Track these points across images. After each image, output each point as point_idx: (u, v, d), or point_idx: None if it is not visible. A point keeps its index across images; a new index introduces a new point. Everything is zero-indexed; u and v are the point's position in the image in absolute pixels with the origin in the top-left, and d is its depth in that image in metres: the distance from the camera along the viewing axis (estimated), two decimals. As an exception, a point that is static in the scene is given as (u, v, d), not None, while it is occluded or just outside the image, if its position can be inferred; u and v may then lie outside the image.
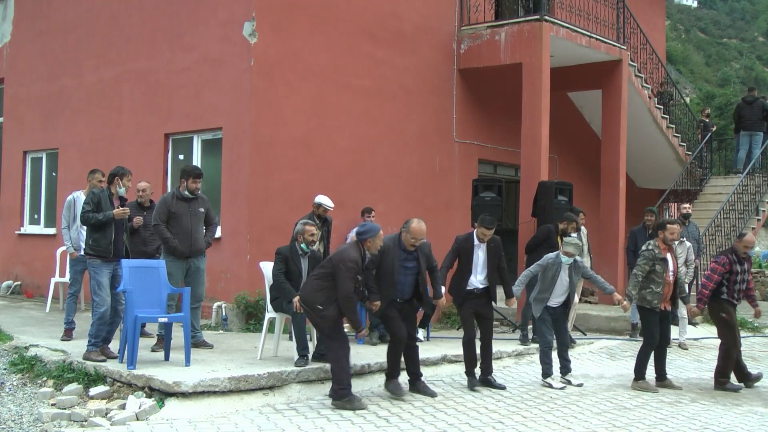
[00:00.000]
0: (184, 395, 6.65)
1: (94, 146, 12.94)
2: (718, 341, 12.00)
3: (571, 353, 10.07)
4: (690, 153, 17.10)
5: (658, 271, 8.23)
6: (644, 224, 11.96)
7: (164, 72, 11.95)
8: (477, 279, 8.16)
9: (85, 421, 6.39)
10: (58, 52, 13.90)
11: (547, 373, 8.39)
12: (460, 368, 8.80)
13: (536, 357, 9.92)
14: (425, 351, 9.13)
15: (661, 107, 16.37)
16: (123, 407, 6.60)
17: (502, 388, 8.08)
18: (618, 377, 9.04)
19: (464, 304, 8.20)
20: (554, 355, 8.58)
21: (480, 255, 8.16)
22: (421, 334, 10.44)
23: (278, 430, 6.25)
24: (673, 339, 11.05)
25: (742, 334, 12.87)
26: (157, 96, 12.04)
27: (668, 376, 8.69)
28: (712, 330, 12.80)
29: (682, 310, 11.18)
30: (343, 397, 7.01)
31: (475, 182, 12.39)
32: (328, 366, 7.89)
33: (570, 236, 9.22)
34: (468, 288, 8.13)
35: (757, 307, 8.92)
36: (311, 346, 8.32)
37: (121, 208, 7.99)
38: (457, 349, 9.09)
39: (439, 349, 9.39)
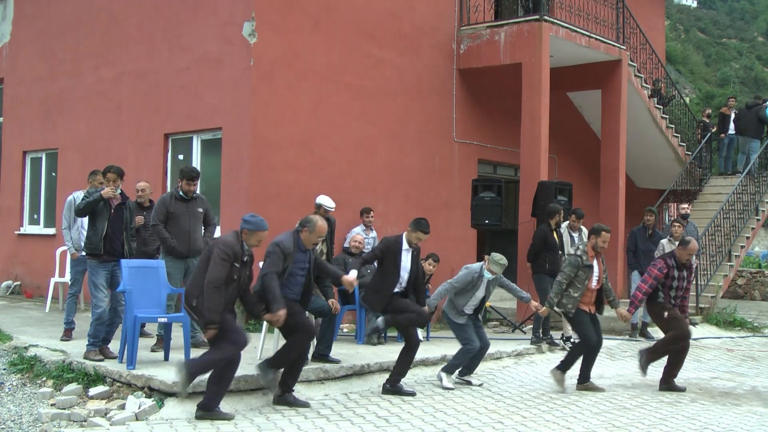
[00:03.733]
0: (184, 395, 6.65)
1: (93, 146, 12.93)
2: (718, 341, 12.12)
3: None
4: (690, 153, 17.11)
5: (580, 277, 8.04)
6: (644, 224, 11.99)
7: (164, 72, 11.94)
8: (400, 286, 7.73)
9: (85, 421, 6.39)
10: (57, 52, 13.89)
11: (451, 370, 8.15)
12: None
13: (536, 357, 9.95)
14: (425, 351, 9.12)
15: (661, 107, 16.37)
16: (122, 407, 6.60)
17: (412, 394, 7.62)
18: (617, 377, 9.04)
19: (391, 309, 7.68)
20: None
21: (407, 260, 7.72)
22: (420, 334, 10.46)
23: (278, 430, 6.25)
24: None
25: (742, 334, 12.93)
26: (157, 96, 12.03)
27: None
28: (712, 330, 12.85)
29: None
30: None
31: (474, 182, 12.40)
32: (328, 366, 7.89)
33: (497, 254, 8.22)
34: (394, 292, 7.68)
35: (686, 320, 8.51)
36: (311, 346, 8.32)
37: (109, 188, 7.94)
38: (456, 349, 9.08)
39: (439, 349, 9.39)
